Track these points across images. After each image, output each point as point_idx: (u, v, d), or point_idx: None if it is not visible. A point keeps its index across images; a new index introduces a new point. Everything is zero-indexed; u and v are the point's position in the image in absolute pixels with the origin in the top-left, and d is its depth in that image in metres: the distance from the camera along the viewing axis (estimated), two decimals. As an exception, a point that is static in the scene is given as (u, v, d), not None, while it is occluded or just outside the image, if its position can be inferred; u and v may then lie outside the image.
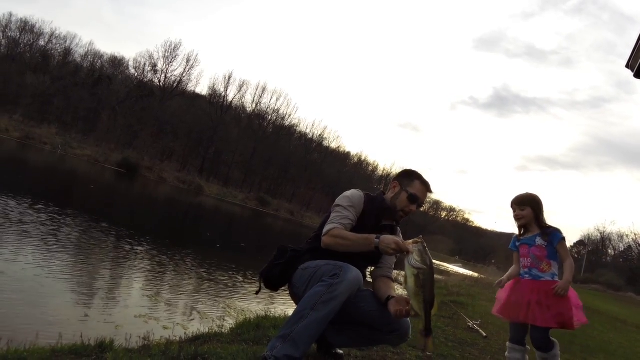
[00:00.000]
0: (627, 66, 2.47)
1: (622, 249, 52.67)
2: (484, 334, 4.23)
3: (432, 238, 75.23)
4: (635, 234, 49.53)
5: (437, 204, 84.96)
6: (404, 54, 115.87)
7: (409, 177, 2.32)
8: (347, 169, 64.37)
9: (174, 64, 50.56)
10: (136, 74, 49.97)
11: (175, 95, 50.60)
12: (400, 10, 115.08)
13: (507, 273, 2.86)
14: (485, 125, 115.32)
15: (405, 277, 1.94)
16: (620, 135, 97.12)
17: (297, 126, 60.06)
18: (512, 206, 2.85)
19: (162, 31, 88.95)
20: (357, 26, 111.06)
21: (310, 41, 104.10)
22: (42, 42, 48.44)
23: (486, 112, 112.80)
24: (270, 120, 58.02)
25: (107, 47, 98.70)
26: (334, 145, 63.33)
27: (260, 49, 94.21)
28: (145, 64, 49.63)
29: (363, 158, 68.48)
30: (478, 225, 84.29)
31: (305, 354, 2.00)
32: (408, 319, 2.13)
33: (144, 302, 4.35)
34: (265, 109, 56.80)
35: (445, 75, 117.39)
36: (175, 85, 51.46)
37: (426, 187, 2.31)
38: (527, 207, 2.77)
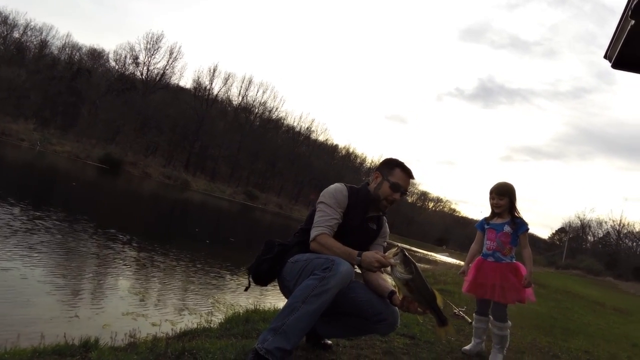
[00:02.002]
0: (605, 57, 2.52)
1: (601, 235, 54.13)
2: (469, 320, 4.31)
3: (420, 228, 76.11)
4: (613, 221, 50.95)
5: (424, 195, 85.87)
6: (390, 45, 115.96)
7: (390, 165, 2.33)
8: (335, 162, 64.41)
9: (157, 56, 49.70)
10: (117, 67, 48.97)
11: (159, 88, 49.71)
12: (386, 1, 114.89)
13: (467, 257, 3.25)
14: (470, 116, 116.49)
15: (397, 288, 2.01)
16: (600, 125, 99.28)
17: (284, 119, 59.78)
18: (491, 194, 3.13)
19: (143, 22, 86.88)
20: (343, 18, 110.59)
21: (296, 34, 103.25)
22: (16, 34, 46.73)
23: (472, 103, 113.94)
24: (257, 113, 57.59)
25: (86, 38, 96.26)
26: (321, 138, 63.27)
27: (246, 41, 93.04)
28: (126, 56, 48.66)
29: (351, 150, 68.63)
30: (464, 215, 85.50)
31: (296, 347, 2.02)
32: (396, 308, 2.17)
33: (131, 300, 4.31)
34: (251, 102, 56.33)
35: (431, 66, 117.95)
36: (158, 78, 50.56)
37: (407, 174, 2.32)
38: (506, 197, 3.08)
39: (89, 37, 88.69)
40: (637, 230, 48.53)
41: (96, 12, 75.18)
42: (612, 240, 51.78)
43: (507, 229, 3.03)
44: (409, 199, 79.58)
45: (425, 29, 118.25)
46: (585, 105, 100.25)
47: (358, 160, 68.43)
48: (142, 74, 49.67)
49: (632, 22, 2.12)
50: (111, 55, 49.33)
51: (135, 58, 48.93)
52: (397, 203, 2.32)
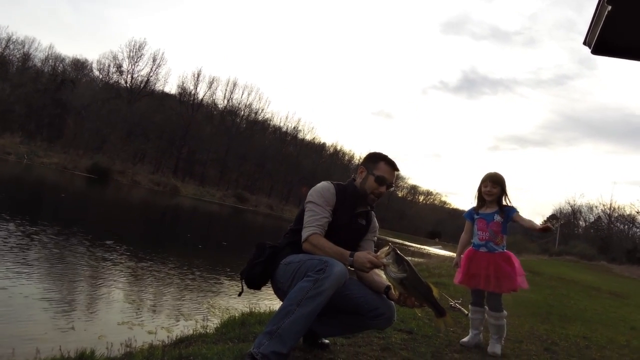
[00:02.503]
0: (585, 43, 2.53)
1: (592, 220, 54.93)
2: (466, 312, 4.32)
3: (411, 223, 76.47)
4: (603, 205, 51.75)
5: (414, 189, 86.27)
6: (373, 42, 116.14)
7: (374, 160, 2.33)
8: (323, 160, 64.42)
9: (140, 63, 49.16)
10: (101, 76, 48.40)
11: (144, 95, 49.23)
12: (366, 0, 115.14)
13: (458, 248, 3.28)
14: (456, 108, 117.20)
15: (393, 287, 2.03)
16: (583, 110, 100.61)
17: (270, 120, 59.60)
18: (484, 182, 3.15)
19: (125, 30, 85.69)
20: (326, 17, 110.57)
21: (279, 34, 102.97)
22: (-2, 49, 46.05)
23: (456, 95, 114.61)
24: (243, 115, 57.33)
25: (69, 49, 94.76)
26: (309, 137, 63.18)
27: (229, 44, 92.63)
28: (109, 65, 48.09)
29: (339, 148, 68.71)
30: (455, 207, 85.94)
31: (292, 349, 2.00)
32: (392, 302, 2.17)
33: (126, 309, 4.25)
34: (237, 105, 56.04)
35: (415, 60, 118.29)
36: (142, 85, 50.06)
37: (392, 166, 2.32)
38: (499, 186, 3.11)
39: (72, 47, 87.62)
40: (627, 213, 49.34)
41: (78, 23, 74.19)
42: (603, 224, 52.56)
43: (497, 218, 3.07)
44: (399, 194, 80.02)
45: (407, 24, 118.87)
46: (568, 92, 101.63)
47: (346, 157, 68.59)
48: (126, 82, 49.17)
49: (609, 7, 2.14)
50: (95, 65, 48.79)
51: (119, 66, 48.43)
52: (384, 196, 2.32)
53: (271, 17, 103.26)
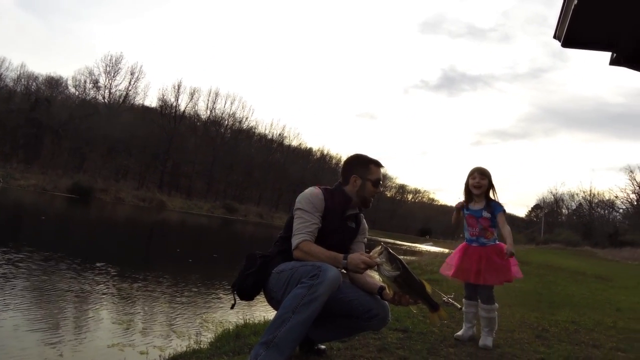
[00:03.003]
0: (555, 37, 2.61)
1: (574, 207, 56.23)
2: (459, 306, 4.38)
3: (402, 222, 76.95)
4: (584, 192, 52.98)
5: (402, 188, 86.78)
6: (354, 44, 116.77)
7: (363, 164, 2.36)
8: (310, 165, 64.46)
9: (118, 78, 48.57)
10: (77, 93, 47.61)
11: (123, 110, 48.59)
12: (347, 3, 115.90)
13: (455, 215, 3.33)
14: (438, 105, 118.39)
15: (387, 286, 2.06)
16: (559, 101, 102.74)
17: (255, 128, 59.40)
18: (473, 174, 3.22)
19: (100, 45, 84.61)
20: (305, 21, 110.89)
21: (259, 41, 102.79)
22: (-33, 71, 44.90)
23: (437, 93, 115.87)
24: (227, 125, 57.02)
25: (42, 67, 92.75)
26: (295, 143, 63.18)
27: (208, 53, 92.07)
28: (85, 81, 47.35)
29: (325, 152, 68.78)
30: (443, 203, 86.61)
31: (290, 357, 2.00)
32: (386, 302, 2.19)
33: (116, 331, 4.17)
34: (220, 115, 55.74)
35: (395, 61, 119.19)
36: (121, 100, 49.44)
37: (379, 165, 2.39)
38: (487, 178, 3.19)
39: (45, 65, 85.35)
40: (607, 198, 50.65)
41: (49, 39, 72.84)
42: (585, 210, 53.80)
43: (485, 214, 3.15)
44: (388, 194, 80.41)
45: (385, 25, 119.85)
46: (544, 84, 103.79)
47: (333, 161, 68.61)
48: (104, 98, 48.50)
49: (576, 1, 2.22)
50: (70, 82, 47.92)
51: (96, 82, 47.75)
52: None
53: (250, 24, 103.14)
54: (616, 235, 39.37)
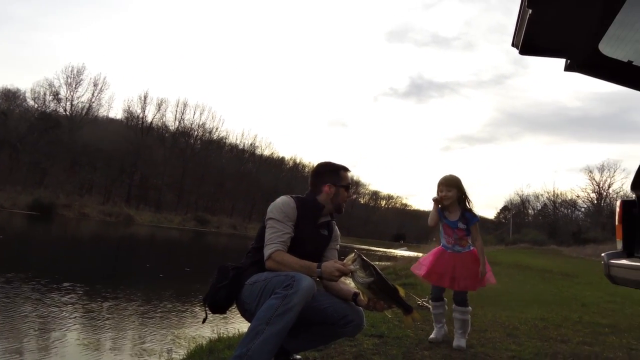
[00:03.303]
0: (513, 44, 2.72)
1: (539, 207, 58.42)
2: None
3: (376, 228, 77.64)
4: (548, 193, 55.17)
5: (375, 195, 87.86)
6: (323, 54, 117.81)
7: (334, 172, 2.38)
8: (283, 174, 64.28)
9: (80, 89, 47.01)
10: (36, 106, 45.52)
11: (86, 122, 46.98)
12: (314, 12, 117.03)
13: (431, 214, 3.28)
14: (407, 112, 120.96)
15: (362, 292, 2.07)
16: (522, 106, 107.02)
17: (226, 138, 58.80)
18: (439, 187, 3.19)
19: (61, 56, 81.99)
20: (274, 31, 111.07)
21: (226, 49, 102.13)
22: None
23: (406, 100, 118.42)
24: (197, 136, 56.21)
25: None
26: (267, 152, 62.95)
27: (175, 63, 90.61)
28: (45, 94, 45.46)
29: (298, 161, 68.83)
30: (416, 208, 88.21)
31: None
32: (360, 308, 2.20)
33: (85, 353, 3.99)
34: (189, 125, 54.91)
35: (364, 69, 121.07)
36: (84, 112, 47.83)
37: (347, 170, 2.43)
38: (454, 188, 3.15)
39: (0, 78, 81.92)
40: (569, 198, 52.93)
41: (4, 51, 69.76)
42: (549, 210, 55.99)
43: (461, 225, 3.16)
44: (362, 201, 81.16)
45: (353, 35, 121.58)
46: (507, 90, 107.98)
47: (306, 169, 68.62)
48: (65, 110, 46.76)
49: (530, 11, 2.33)
50: (28, 94, 45.81)
51: (56, 94, 45.99)
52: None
53: (218, 33, 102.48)
54: (579, 233, 41.09)
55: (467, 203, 3.18)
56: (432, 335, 3.23)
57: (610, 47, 2.59)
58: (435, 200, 3.19)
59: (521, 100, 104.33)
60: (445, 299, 3.27)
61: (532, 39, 2.57)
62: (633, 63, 2.68)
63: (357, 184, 77.18)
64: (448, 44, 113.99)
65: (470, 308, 3.18)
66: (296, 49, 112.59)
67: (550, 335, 3.74)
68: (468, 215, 3.15)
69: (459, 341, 3.08)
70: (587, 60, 2.80)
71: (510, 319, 4.44)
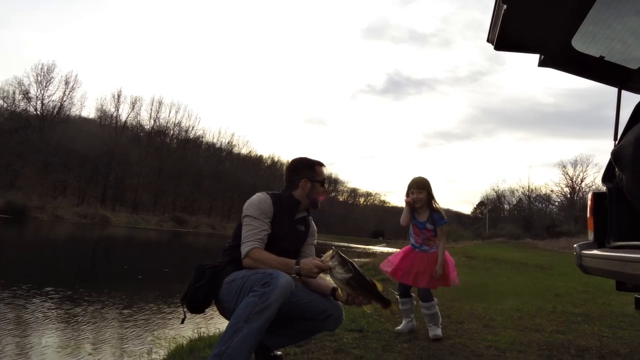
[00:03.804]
0: (488, 40, 2.76)
1: (514, 202, 59.90)
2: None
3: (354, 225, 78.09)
4: (523, 188, 56.65)
5: (354, 192, 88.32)
6: (300, 51, 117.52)
7: (310, 167, 2.39)
8: (262, 173, 63.93)
9: (50, 88, 45.54)
10: (5, 105, 43.85)
11: (58, 122, 45.54)
12: (290, 9, 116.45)
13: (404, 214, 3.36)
14: (384, 109, 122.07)
15: (340, 288, 2.09)
16: (498, 102, 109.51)
17: (202, 137, 58.05)
18: (410, 189, 3.30)
19: (30, 54, 79.17)
20: (251, 29, 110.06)
21: (201, 47, 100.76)
22: None
23: (383, 97, 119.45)
24: (173, 135, 55.29)
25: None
26: (244, 151, 62.48)
27: (148, 61, 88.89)
28: (14, 92, 43.86)
29: (276, 159, 68.54)
30: (394, 205, 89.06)
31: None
32: (339, 302, 2.21)
33: (63, 356, 3.88)
34: (165, 124, 53.96)
35: (342, 67, 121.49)
36: (55, 111, 46.35)
37: (322, 165, 2.43)
38: (424, 191, 3.28)
39: (-35, 76, 78.57)
40: (543, 192, 54.46)
41: (-31, 48, 66.86)
42: (524, 205, 57.51)
43: (429, 226, 3.28)
44: (340, 198, 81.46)
45: (330, 33, 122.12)
46: (483, 87, 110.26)
47: (284, 167, 68.59)
48: (36, 109, 45.22)
49: (505, 6, 2.37)
50: (-4, 94, 44.19)
51: (26, 93, 44.39)
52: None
53: (192, 30, 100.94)
54: (553, 226, 42.39)
55: (434, 204, 3.29)
56: (398, 327, 3.32)
57: (582, 43, 2.66)
58: (407, 202, 3.29)
59: (497, 96, 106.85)
60: (412, 294, 3.37)
61: (506, 35, 2.62)
62: (605, 58, 2.76)
63: (335, 181, 77.65)
64: (425, 41, 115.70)
65: (435, 300, 3.27)
66: (272, 47, 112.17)
67: (525, 325, 3.84)
68: (436, 217, 3.26)
69: (435, 331, 3.16)
70: (560, 56, 2.87)
71: (487, 311, 4.54)
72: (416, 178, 3.33)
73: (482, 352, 2.82)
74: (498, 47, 2.83)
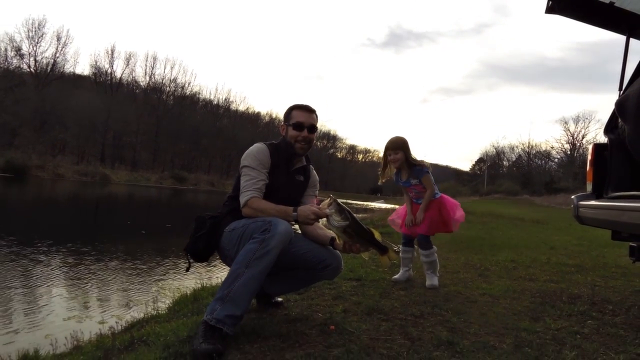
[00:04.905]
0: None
1: (514, 159, 59.96)
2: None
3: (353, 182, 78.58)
4: (523, 144, 56.48)
5: (352, 149, 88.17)
6: (300, 4, 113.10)
7: (287, 112, 2.37)
8: (260, 129, 63.50)
9: (42, 44, 44.74)
10: (-2, 62, 42.96)
11: (53, 79, 44.75)
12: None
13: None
14: (385, 64, 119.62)
15: (337, 236, 2.11)
16: (502, 57, 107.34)
17: (199, 94, 57.15)
18: (387, 151, 3.32)
19: (18, 8, 76.17)
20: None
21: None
22: None
23: (384, 50, 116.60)
24: (169, 91, 54.39)
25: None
26: (242, 107, 61.80)
27: (141, 14, 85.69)
28: (6, 49, 42.77)
29: (274, 116, 67.83)
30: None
31: (247, 312, 2.02)
32: (338, 252, 2.25)
33: (72, 305, 4.05)
34: (160, 81, 52.95)
35: (341, 20, 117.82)
36: (49, 68, 45.36)
37: (304, 109, 2.33)
38: (400, 150, 3.28)
39: (-47, 30, 75.78)
40: (543, 149, 54.34)
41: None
42: (524, 161, 57.58)
43: (413, 181, 3.32)
44: (339, 155, 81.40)
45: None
46: (487, 40, 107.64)
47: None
48: (29, 67, 44.31)
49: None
50: (-12, 51, 43.00)
51: (18, 49, 43.34)
52: (311, 141, 2.32)
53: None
54: (551, 183, 42.62)
55: (412, 160, 3.28)
56: (396, 276, 3.42)
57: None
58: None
59: (501, 50, 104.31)
60: (415, 246, 3.43)
61: None
62: (615, 4, 2.65)
63: (334, 138, 77.15)
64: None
65: (435, 248, 3.34)
66: (269, 1, 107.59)
67: (519, 275, 3.96)
68: (416, 170, 3.28)
69: (432, 280, 3.26)
70: (568, 1, 2.76)
71: (482, 262, 4.66)
72: (392, 138, 3.32)
73: (476, 298, 2.92)
74: (550, 11, 2.74)
